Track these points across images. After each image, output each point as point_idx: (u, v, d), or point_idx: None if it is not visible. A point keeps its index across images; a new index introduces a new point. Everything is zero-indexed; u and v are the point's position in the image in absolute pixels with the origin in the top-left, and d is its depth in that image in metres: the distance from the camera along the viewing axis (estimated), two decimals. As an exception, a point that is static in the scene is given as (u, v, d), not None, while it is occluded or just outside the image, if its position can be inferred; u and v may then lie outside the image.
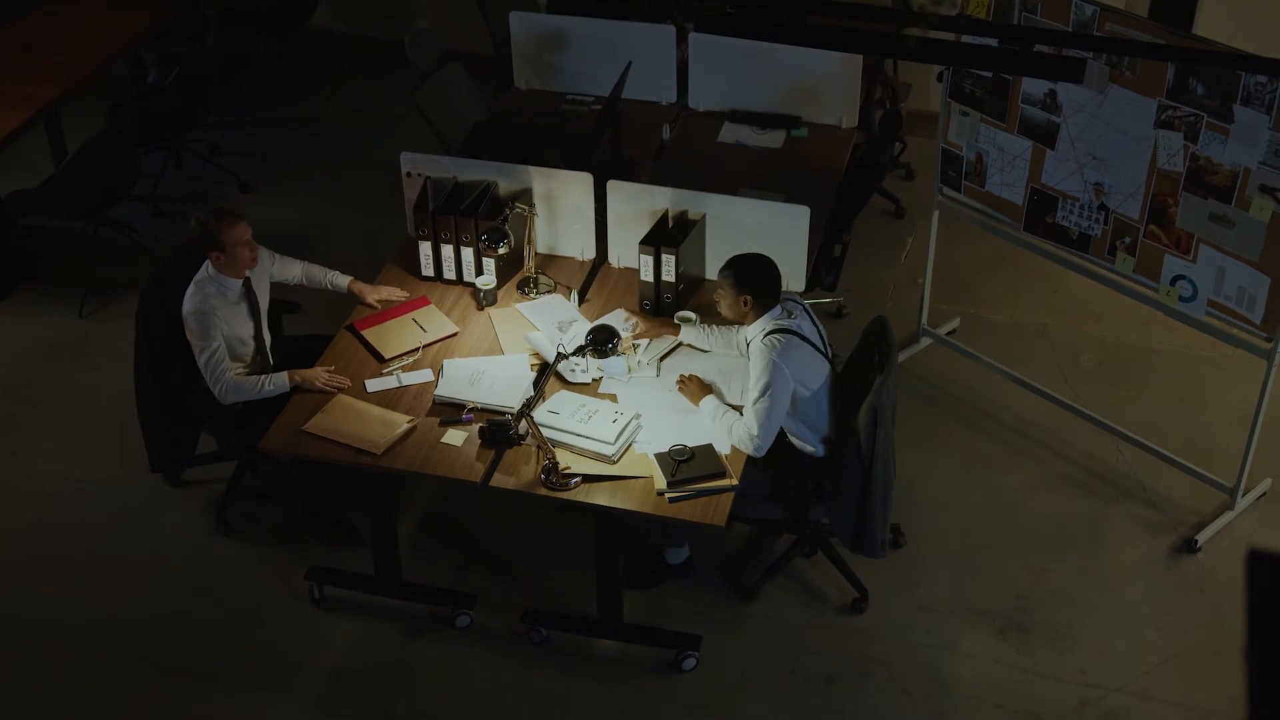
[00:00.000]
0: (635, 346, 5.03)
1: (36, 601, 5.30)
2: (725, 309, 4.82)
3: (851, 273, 6.31)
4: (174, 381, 5.22)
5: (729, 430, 4.71)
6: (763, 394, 4.64)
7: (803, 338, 4.74)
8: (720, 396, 4.85)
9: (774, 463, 4.79)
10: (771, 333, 4.70)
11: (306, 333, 5.63)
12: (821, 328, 4.91)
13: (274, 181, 7.60)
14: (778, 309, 4.76)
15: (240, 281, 5.13)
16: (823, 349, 4.84)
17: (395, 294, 5.40)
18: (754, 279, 4.75)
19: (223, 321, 5.06)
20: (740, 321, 4.86)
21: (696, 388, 4.87)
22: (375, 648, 5.11)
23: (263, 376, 5.07)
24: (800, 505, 4.96)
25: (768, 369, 4.64)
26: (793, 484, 4.90)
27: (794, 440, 4.87)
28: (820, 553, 5.29)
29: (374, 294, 5.39)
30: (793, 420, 4.80)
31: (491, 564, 5.41)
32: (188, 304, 5.05)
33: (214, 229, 5.00)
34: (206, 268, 5.08)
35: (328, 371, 5.04)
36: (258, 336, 5.23)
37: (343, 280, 5.44)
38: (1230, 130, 4.92)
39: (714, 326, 5.11)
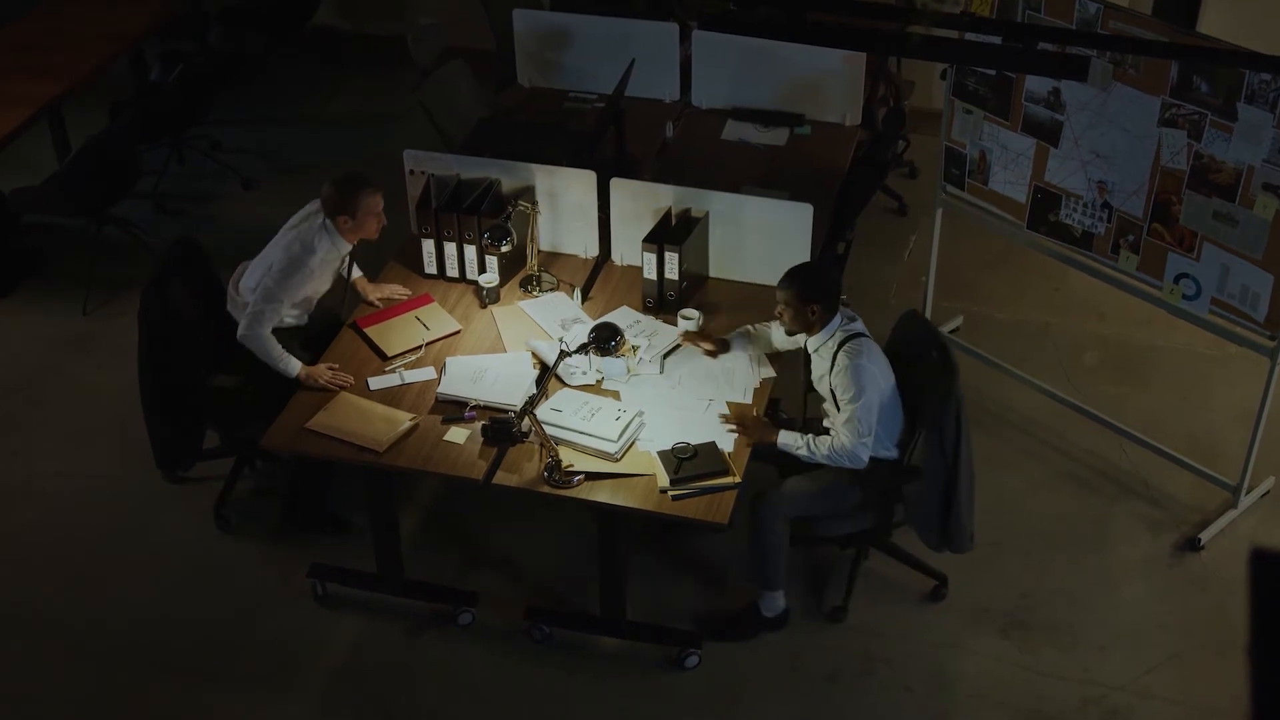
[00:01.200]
0: (635, 348, 5.02)
1: (37, 601, 5.30)
2: (790, 321, 4.76)
3: (854, 271, 6.30)
4: (175, 380, 5.22)
5: (826, 452, 4.68)
6: (856, 399, 4.63)
7: (870, 341, 4.75)
8: (726, 390, 4.86)
9: (859, 474, 4.78)
10: (847, 340, 4.69)
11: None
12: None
13: (276, 179, 7.60)
14: (839, 316, 4.75)
15: (350, 247, 5.22)
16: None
17: (398, 292, 5.40)
18: (818, 287, 4.72)
19: (309, 279, 5.15)
20: (804, 332, 4.79)
21: (759, 426, 4.79)
22: (377, 645, 5.11)
23: (284, 352, 5.08)
24: (889, 511, 4.98)
25: (858, 375, 4.63)
26: (874, 491, 4.88)
27: (886, 450, 4.84)
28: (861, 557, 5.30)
29: (376, 292, 5.39)
30: (884, 432, 4.79)
31: (494, 562, 5.41)
32: (293, 244, 5.10)
33: (353, 195, 5.07)
34: (325, 223, 5.12)
35: (330, 369, 5.04)
36: (331, 299, 5.36)
37: (356, 272, 5.44)
38: (1234, 128, 4.91)
39: (751, 329, 5.08)
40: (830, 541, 5.15)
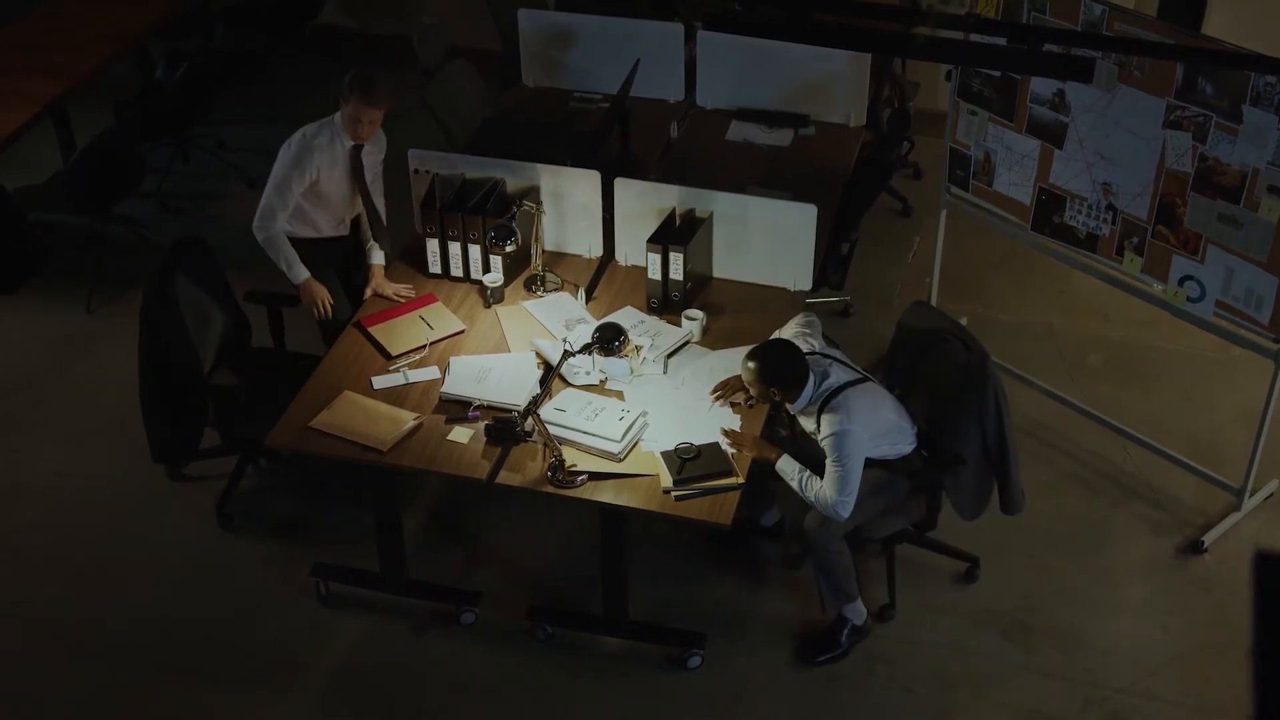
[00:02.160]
0: (639, 348, 5.02)
1: (37, 600, 5.30)
2: (756, 395, 4.71)
3: (859, 272, 6.30)
4: (175, 380, 5.23)
5: (813, 496, 4.64)
6: (840, 464, 4.56)
7: (848, 384, 4.64)
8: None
9: (904, 465, 4.80)
10: (828, 399, 4.60)
11: (307, 333, 5.64)
12: (841, 350, 4.88)
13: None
14: (811, 379, 4.62)
15: (352, 144, 5.31)
16: (861, 373, 4.74)
17: (401, 291, 5.40)
18: (775, 376, 4.60)
19: (319, 169, 5.29)
20: (771, 404, 4.76)
21: (758, 443, 4.73)
22: (380, 645, 5.11)
23: (294, 255, 5.28)
24: (936, 500, 4.99)
25: (840, 443, 4.54)
26: (921, 479, 4.88)
27: (891, 457, 4.80)
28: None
29: (386, 287, 5.40)
30: (882, 445, 4.73)
31: (497, 561, 5.41)
32: (297, 135, 5.30)
33: (352, 88, 5.24)
34: (336, 115, 5.32)
35: (324, 302, 5.31)
36: (353, 206, 5.47)
37: (377, 258, 5.48)
38: (1239, 130, 4.91)
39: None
40: (881, 540, 5.10)
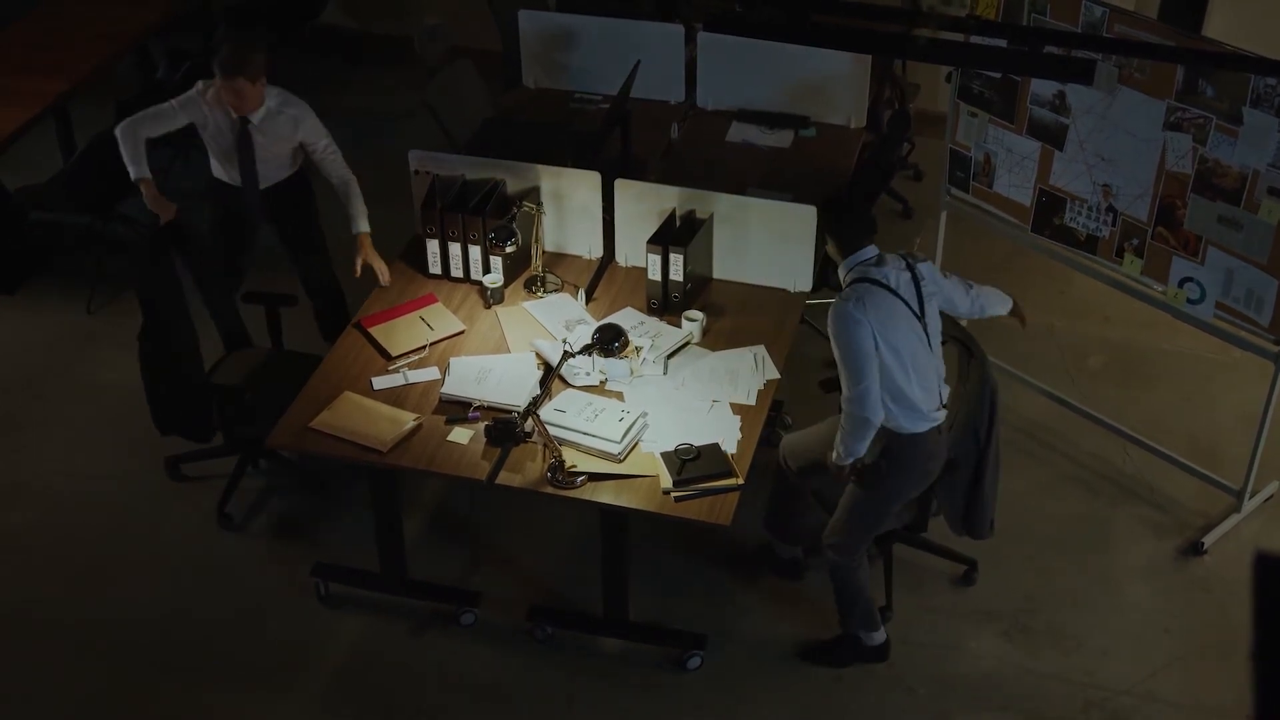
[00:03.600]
0: (639, 349, 5.02)
1: (38, 599, 5.30)
2: (830, 253, 4.63)
3: (859, 273, 6.30)
4: (173, 349, 5.27)
5: (841, 435, 4.49)
6: (836, 348, 4.42)
7: (888, 289, 4.45)
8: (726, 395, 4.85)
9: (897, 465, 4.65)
10: (854, 281, 4.48)
11: (310, 333, 5.65)
12: (929, 285, 4.57)
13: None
14: (867, 254, 4.49)
15: (237, 118, 5.52)
16: (915, 309, 4.50)
17: (383, 272, 5.46)
18: (831, 222, 4.56)
19: (211, 123, 5.55)
20: (838, 261, 4.60)
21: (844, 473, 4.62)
22: (380, 645, 5.11)
23: (141, 155, 5.57)
24: (927, 503, 4.94)
25: (833, 321, 4.42)
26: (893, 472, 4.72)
27: (899, 425, 4.53)
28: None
29: (372, 259, 5.52)
30: (887, 399, 4.48)
31: (497, 562, 5.41)
32: (200, 84, 5.56)
33: (217, 56, 5.39)
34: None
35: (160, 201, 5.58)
36: (230, 166, 5.67)
37: (360, 227, 5.59)
38: (1239, 132, 4.91)
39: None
40: (875, 541, 5.08)
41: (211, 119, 5.56)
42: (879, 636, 5.00)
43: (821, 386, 5.29)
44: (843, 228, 4.54)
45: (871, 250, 4.52)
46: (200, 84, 5.56)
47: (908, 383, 4.47)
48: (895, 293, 4.46)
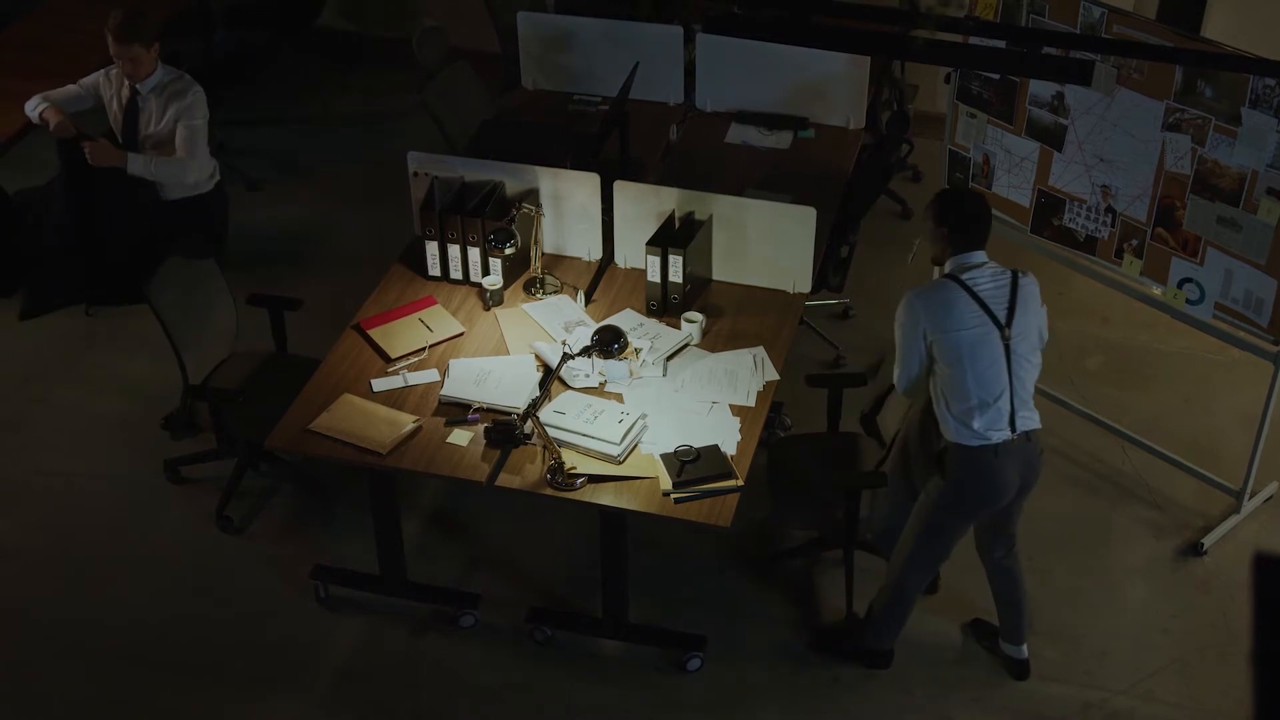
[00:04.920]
0: (638, 351, 5.02)
1: (39, 600, 5.30)
2: (930, 249, 4.52)
3: (858, 274, 6.30)
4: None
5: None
6: (897, 331, 4.46)
7: (968, 290, 4.33)
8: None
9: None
10: (944, 276, 4.43)
11: (312, 334, 5.64)
12: (1026, 299, 4.39)
13: (280, 180, 7.60)
14: (975, 256, 4.40)
15: (129, 87, 5.85)
16: (996, 316, 4.33)
17: (52, 116, 5.89)
18: (951, 210, 4.43)
19: (111, 94, 5.89)
20: (940, 259, 4.51)
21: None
22: (380, 647, 5.11)
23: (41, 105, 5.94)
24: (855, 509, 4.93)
25: (902, 309, 4.41)
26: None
27: (949, 431, 4.40)
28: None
29: (50, 112, 5.91)
30: (944, 402, 4.39)
31: (496, 564, 5.41)
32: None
33: (111, 22, 5.72)
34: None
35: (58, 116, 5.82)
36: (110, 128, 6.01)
37: (132, 164, 5.86)
38: (1238, 133, 4.91)
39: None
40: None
41: (112, 94, 5.80)
42: (885, 653, 4.98)
43: (808, 382, 5.30)
44: (966, 228, 4.41)
45: (978, 256, 4.41)
46: (104, 70, 5.85)
47: (964, 390, 4.33)
48: (975, 296, 4.32)
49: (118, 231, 6.07)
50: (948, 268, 4.44)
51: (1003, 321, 4.33)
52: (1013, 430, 4.38)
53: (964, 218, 4.43)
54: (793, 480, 5.10)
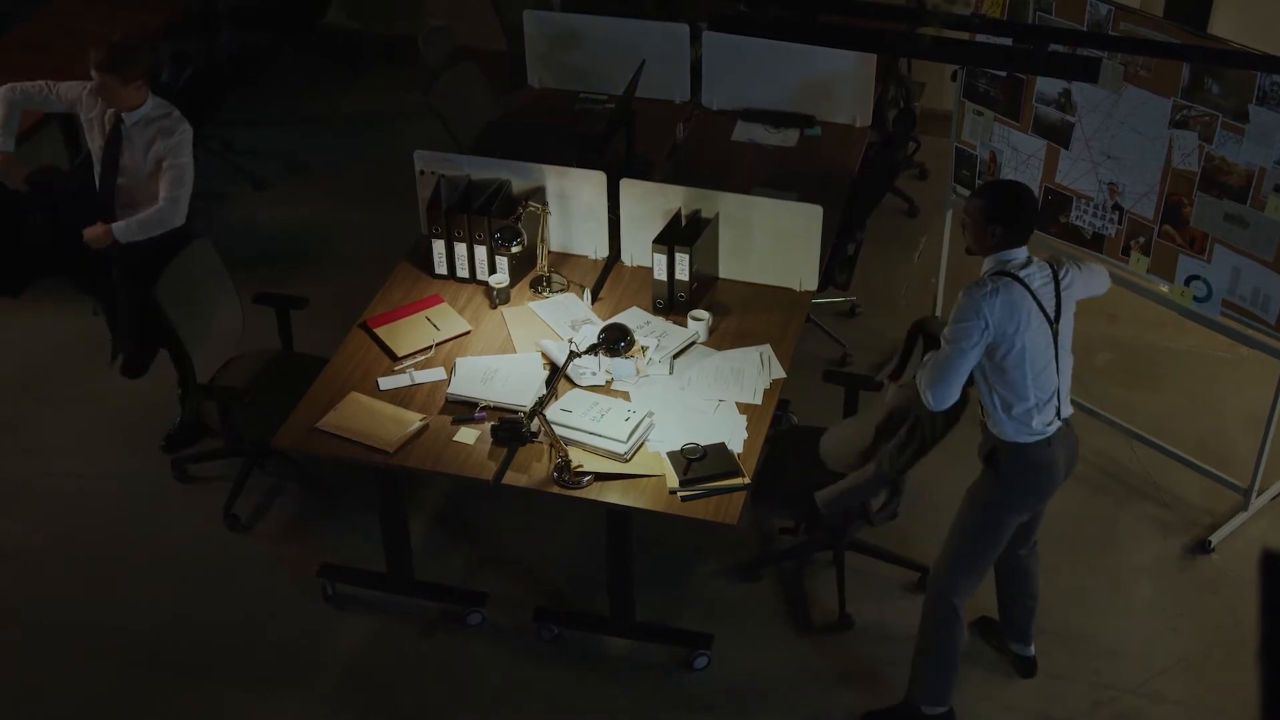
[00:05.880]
0: (645, 349, 5.02)
1: (45, 600, 5.31)
2: (969, 237, 4.28)
3: (865, 272, 6.30)
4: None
5: (918, 381, 4.25)
6: (949, 335, 4.16)
7: (1027, 288, 4.19)
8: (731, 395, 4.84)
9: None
10: (994, 274, 4.19)
11: (317, 333, 5.65)
12: (1070, 289, 4.31)
13: (287, 179, 7.61)
14: (1019, 253, 4.22)
15: (111, 115, 5.47)
16: (1050, 313, 4.25)
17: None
18: (1006, 207, 4.19)
19: (91, 117, 5.50)
20: (981, 255, 4.30)
21: None
22: (387, 646, 5.11)
23: (6, 122, 5.58)
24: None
25: (961, 311, 4.14)
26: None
27: (1003, 432, 4.31)
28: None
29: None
30: (999, 405, 4.28)
31: (503, 562, 5.41)
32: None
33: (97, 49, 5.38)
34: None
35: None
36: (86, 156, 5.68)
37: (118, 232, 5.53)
38: (1245, 130, 4.90)
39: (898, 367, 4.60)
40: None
41: (94, 117, 5.52)
42: (944, 709, 4.73)
43: (825, 378, 5.28)
44: (1016, 223, 4.21)
45: (1022, 252, 4.24)
46: (87, 86, 5.58)
47: (1024, 389, 4.24)
48: (1033, 294, 4.20)
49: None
50: (991, 264, 4.25)
51: (1053, 318, 4.28)
52: (1059, 418, 4.38)
53: (1022, 215, 4.23)
54: (778, 472, 5.08)
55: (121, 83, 5.34)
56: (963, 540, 4.50)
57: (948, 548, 4.54)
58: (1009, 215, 4.20)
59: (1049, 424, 4.33)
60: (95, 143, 5.55)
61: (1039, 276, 4.24)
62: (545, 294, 5.39)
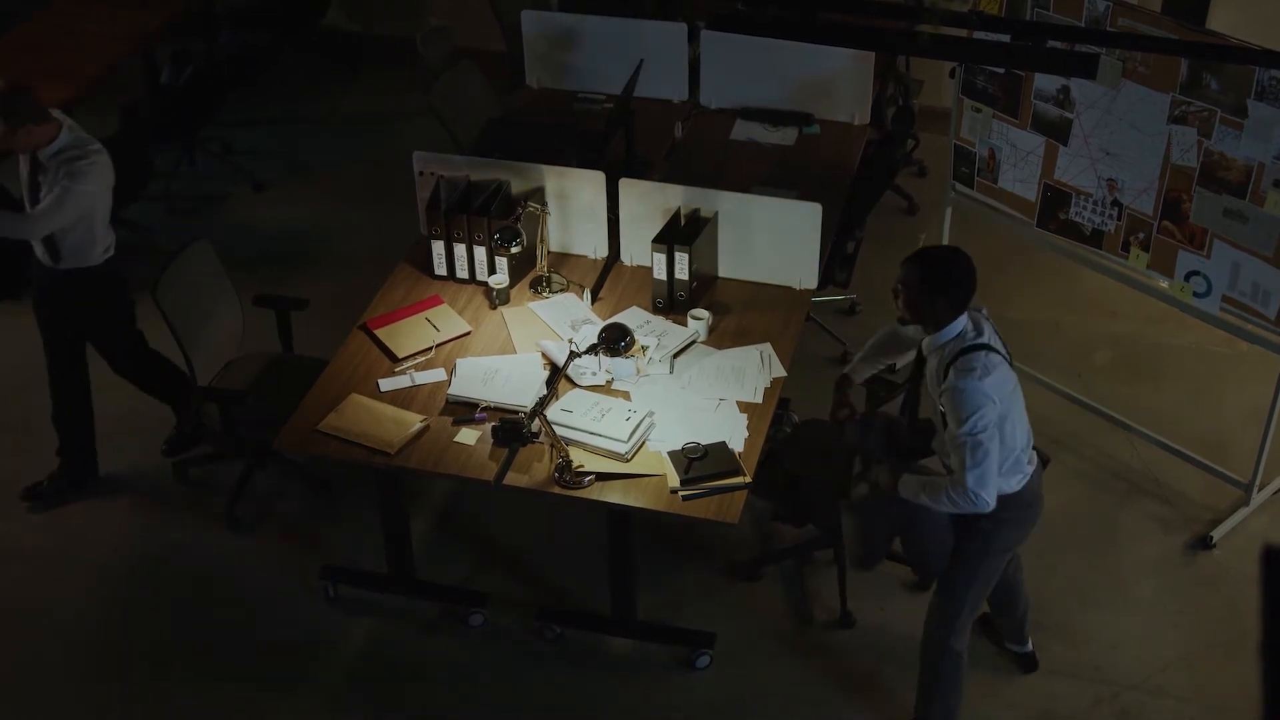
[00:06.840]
0: (645, 349, 5.02)
1: (47, 602, 5.31)
2: (904, 308, 4.21)
3: (864, 270, 6.29)
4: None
5: (946, 496, 4.12)
6: (961, 421, 4.02)
7: (998, 353, 4.12)
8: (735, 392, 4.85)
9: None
10: (965, 352, 4.07)
11: (317, 334, 5.65)
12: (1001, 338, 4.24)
13: (286, 180, 7.61)
14: (966, 319, 4.13)
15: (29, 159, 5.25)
16: (1009, 361, 4.18)
17: None
18: (948, 278, 4.11)
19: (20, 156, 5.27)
20: (918, 324, 4.25)
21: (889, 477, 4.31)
22: (389, 646, 5.12)
23: None
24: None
25: (968, 398, 4.01)
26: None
27: (1001, 488, 4.19)
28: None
29: None
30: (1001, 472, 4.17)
31: (505, 563, 5.41)
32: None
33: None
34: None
35: None
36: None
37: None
38: (1244, 125, 4.90)
39: (868, 347, 4.67)
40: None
41: (21, 162, 5.32)
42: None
43: (869, 397, 5.01)
44: (959, 288, 4.11)
45: (964, 320, 4.13)
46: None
47: (1014, 440, 4.16)
48: (1002, 354, 4.14)
49: None
50: (952, 344, 4.12)
51: (1010, 362, 4.22)
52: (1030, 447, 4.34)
53: (962, 288, 4.13)
54: (786, 473, 5.08)
55: (34, 124, 5.18)
56: (962, 591, 4.42)
57: (946, 602, 4.46)
58: (951, 285, 4.11)
59: (1030, 460, 4.31)
60: (23, 179, 5.36)
61: (989, 332, 4.17)
62: (545, 294, 5.39)
